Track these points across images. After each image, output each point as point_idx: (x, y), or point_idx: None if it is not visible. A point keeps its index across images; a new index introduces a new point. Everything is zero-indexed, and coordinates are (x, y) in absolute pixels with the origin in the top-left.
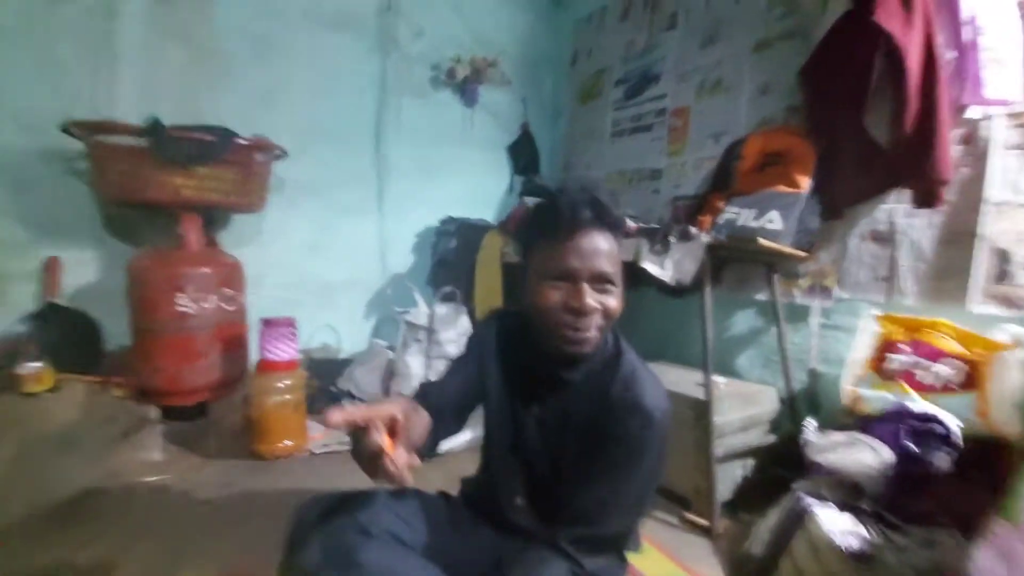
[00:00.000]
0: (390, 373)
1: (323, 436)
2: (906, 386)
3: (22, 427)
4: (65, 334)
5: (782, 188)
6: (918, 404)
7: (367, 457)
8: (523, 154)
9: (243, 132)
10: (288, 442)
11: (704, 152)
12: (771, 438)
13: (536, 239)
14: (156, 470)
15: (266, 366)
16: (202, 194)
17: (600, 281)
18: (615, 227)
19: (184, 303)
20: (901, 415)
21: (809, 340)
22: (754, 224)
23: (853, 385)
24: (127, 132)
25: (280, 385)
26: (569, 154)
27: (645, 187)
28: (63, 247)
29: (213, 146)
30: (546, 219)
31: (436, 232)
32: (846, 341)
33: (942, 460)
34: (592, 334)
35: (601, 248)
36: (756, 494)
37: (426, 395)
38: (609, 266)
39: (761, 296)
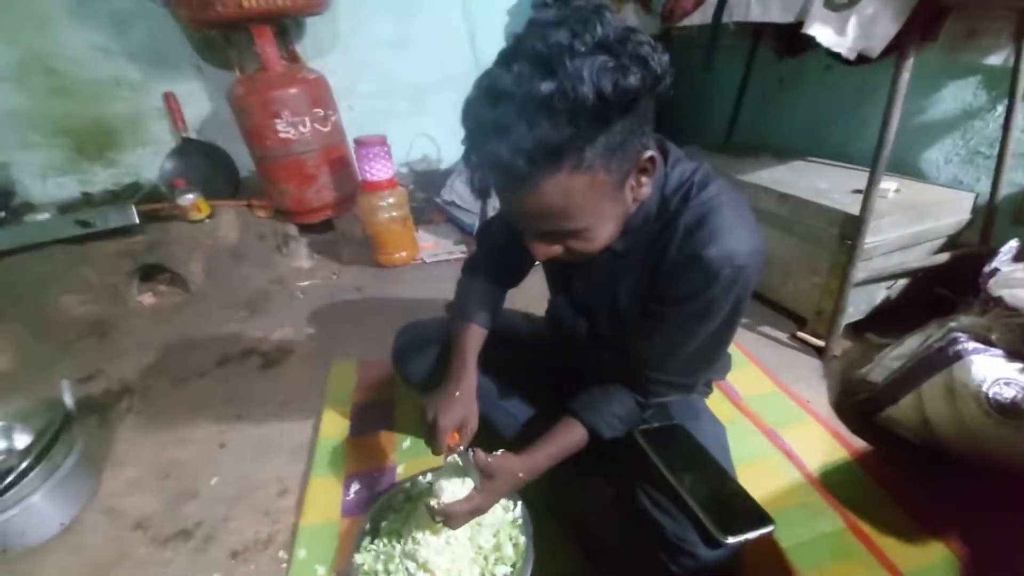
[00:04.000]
0: None
1: (433, 246)
2: None
3: (202, 247)
4: (205, 165)
5: None
6: None
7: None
8: None
9: None
10: (403, 253)
11: None
12: (940, 258)
13: None
14: (307, 276)
15: (367, 186)
16: (264, 1)
17: (553, 239)
18: (565, 166)
19: (284, 128)
20: None
21: None
22: None
23: None
24: None
25: (383, 204)
26: None
27: None
28: (173, 81)
29: None
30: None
31: (532, 6)
32: None
33: None
34: (582, 257)
35: (535, 211)
36: (897, 316)
37: (487, 244)
38: (557, 222)
39: (995, 59)
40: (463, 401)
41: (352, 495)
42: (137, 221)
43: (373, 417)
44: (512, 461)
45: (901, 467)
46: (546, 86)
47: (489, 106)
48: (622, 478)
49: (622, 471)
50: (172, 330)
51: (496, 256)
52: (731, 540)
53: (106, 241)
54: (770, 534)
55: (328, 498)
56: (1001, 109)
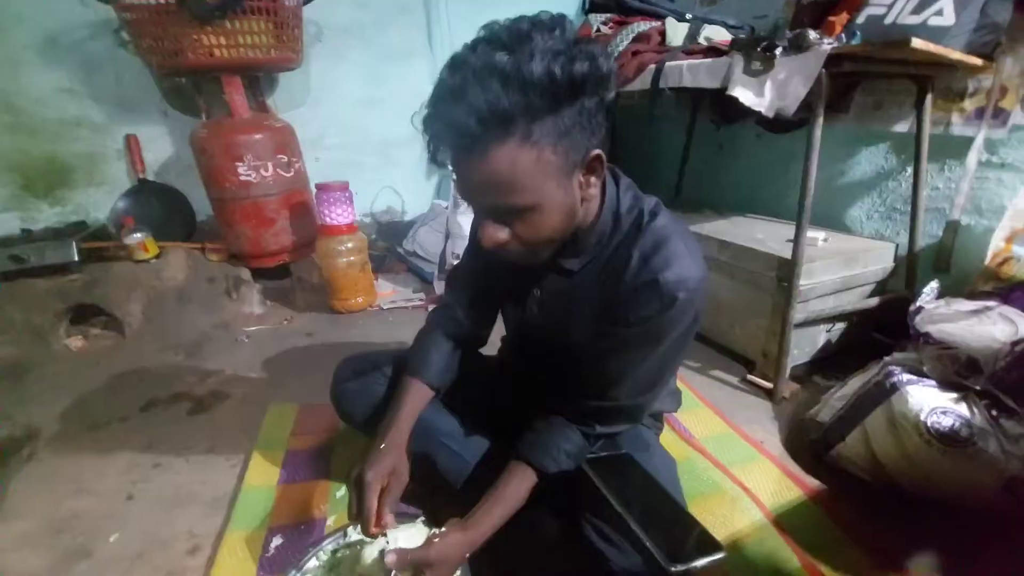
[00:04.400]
0: (448, 233)
1: (392, 293)
2: None
3: (144, 287)
4: (160, 207)
5: None
6: None
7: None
8: None
9: None
10: (359, 299)
11: None
12: (871, 302)
13: None
14: (256, 321)
15: (326, 230)
16: (235, 52)
17: (501, 215)
18: (515, 133)
19: (245, 172)
20: None
21: (958, 184)
22: (912, 19)
23: (1007, 241)
24: None
25: (342, 248)
26: None
27: None
28: (137, 124)
29: None
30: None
31: None
32: (1012, 186)
33: None
34: (529, 260)
35: (485, 179)
36: (840, 359)
37: (455, 285)
38: (505, 195)
39: (901, 127)
40: (390, 452)
41: (272, 550)
42: (76, 258)
43: (308, 464)
44: (453, 541)
45: (855, 505)
46: (500, 56)
47: (450, 74)
48: (567, 510)
49: (568, 503)
50: (98, 374)
51: (464, 296)
52: (679, 568)
53: (38, 279)
54: (721, 563)
55: (244, 555)
56: (910, 171)
